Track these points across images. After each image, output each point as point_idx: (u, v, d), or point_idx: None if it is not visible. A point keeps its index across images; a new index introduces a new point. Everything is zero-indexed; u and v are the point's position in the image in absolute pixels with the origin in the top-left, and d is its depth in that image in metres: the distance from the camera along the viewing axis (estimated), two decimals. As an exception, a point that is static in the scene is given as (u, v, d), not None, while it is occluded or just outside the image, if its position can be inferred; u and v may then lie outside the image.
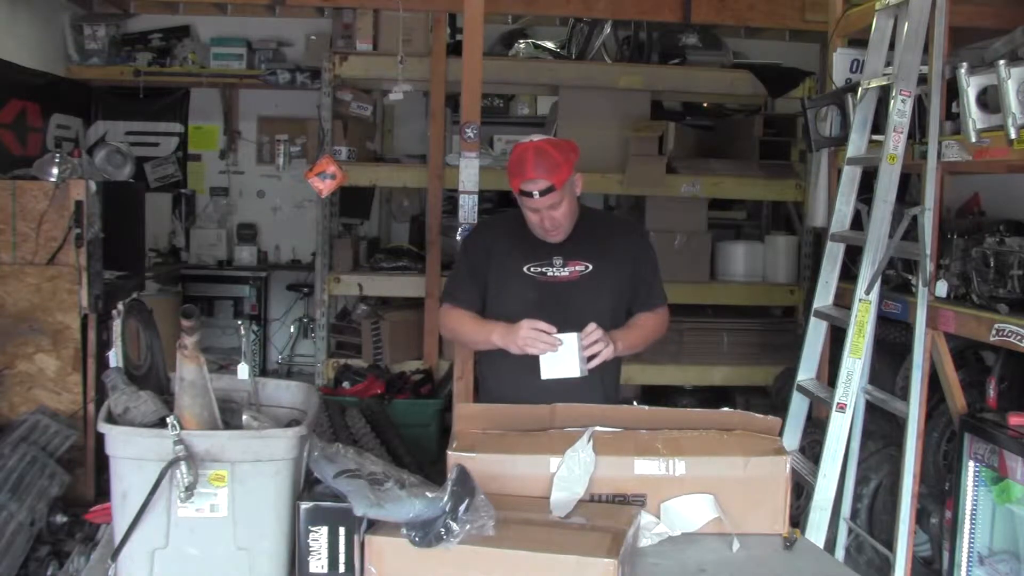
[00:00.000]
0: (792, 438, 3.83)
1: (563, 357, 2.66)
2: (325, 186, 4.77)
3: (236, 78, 7.01)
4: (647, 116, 5.85)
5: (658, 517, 2.22)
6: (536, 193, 2.66)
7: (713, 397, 5.80)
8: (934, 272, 3.35)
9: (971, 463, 3.24)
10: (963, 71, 2.99)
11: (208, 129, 7.38)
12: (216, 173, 7.41)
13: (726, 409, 2.53)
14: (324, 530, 1.91)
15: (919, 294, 3.36)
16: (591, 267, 2.83)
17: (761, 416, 2.43)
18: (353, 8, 5.77)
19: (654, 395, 5.43)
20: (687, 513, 2.22)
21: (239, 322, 7.02)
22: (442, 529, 1.87)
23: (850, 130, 3.69)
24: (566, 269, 2.83)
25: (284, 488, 1.90)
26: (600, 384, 2.81)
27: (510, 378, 2.84)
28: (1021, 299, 3.09)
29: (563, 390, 2.55)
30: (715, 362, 5.60)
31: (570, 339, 2.66)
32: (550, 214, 2.72)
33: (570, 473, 2.23)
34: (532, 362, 2.71)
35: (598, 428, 2.38)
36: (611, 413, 2.45)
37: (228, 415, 2.03)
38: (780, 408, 4.14)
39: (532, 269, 2.83)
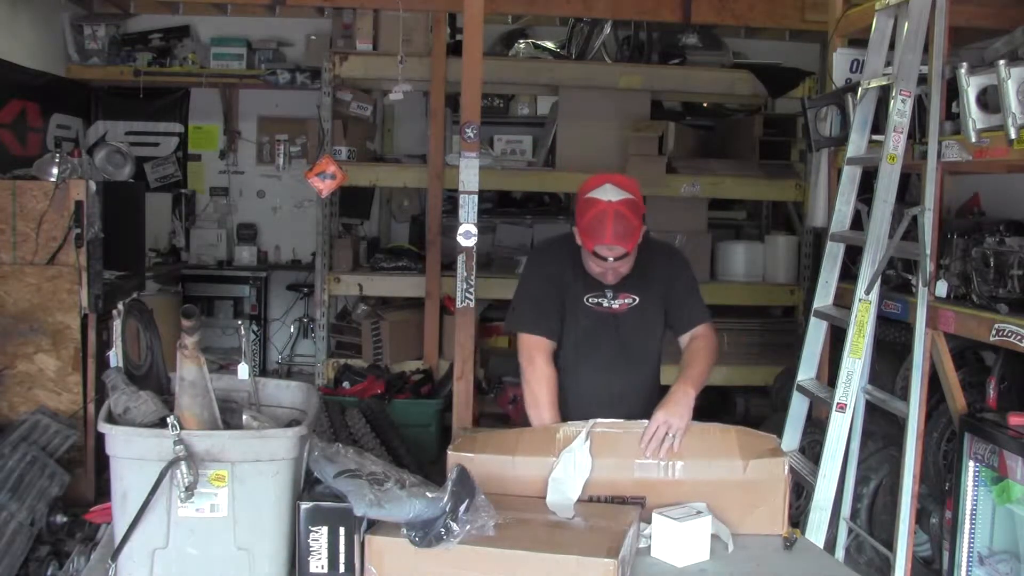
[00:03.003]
0: (792, 438, 3.83)
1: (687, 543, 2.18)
2: (325, 186, 4.77)
3: (236, 78, 7.01)
4: (647, 116, 5.86)
5: (657, 515, 2.22)
6: (611, 259, 2.69)
7: (713, 397, 5.80)
8: (934, 272, 3.35)
9: (971, 463, 3.23)
10: (963, 71, 2.99)
11: (208, 129, 7.37)
12: (216, 173, 7.40)
13: (720, 426, 2.52)
14: (324, 530, 1.91)
15: (919, 294, 3.36)
16: (638, 300, 2.87)
17: (758, 433, 2.44)
18: (353, 8, 5.77)
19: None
20: (683, 548, 2.14)
21: (239, 322, 7.01)
22: (442, 529, 1.87)
23: (850, 130, 3.68)
24: (616, 301, 2.86)
25: (284, 488, 1.90)
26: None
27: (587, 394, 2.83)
28: (1021, 299, 3.08)
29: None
30: (715, 362, 5.59)
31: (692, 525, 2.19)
32: (616, 271, 2.76)
33: (564, 474, 2.22)
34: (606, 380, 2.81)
35: (598, 420, 2.38)
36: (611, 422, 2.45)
37: (228, 415, 2.03)
38: (780, 408, 4.15)
39: (591, 300, 2.86)
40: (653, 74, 5.88)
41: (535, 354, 2.80)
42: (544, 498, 2.21)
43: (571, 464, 2.23)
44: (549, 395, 2.75)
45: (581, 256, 2.82)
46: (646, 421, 2.44)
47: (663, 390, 2.96)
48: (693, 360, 2.83)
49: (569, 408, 2.78)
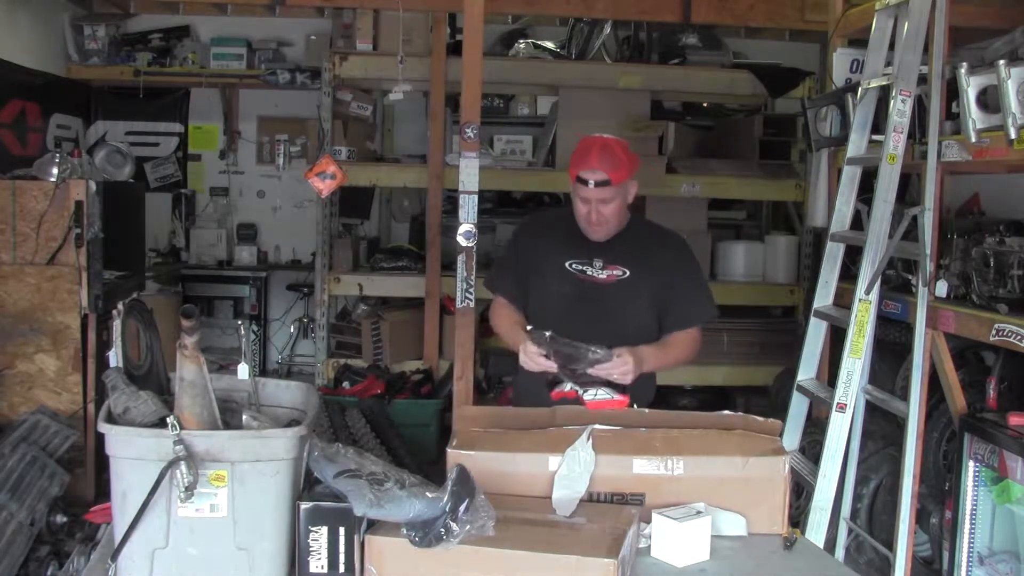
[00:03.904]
0: (792, 438, 3.83)
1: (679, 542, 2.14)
2: (325, 186, 4.76)
3: (236, 78, 7.01)
4: (647, 116, 5.86)
5: (657, 515, 2.22)
6: (592, 183, 2.72)
7: (713, 397, 5.80)
8: (934, 272, 3.35)
9: (971, 463, 3.24)
10: (963, 71, 2.99)
11: (208, 129, 7.37)
12: (216, 173, 7.40)
13: (726, 412, 2.52)
14: (324, 530, 1.91)
15: (919, 294, 3.36)
16: (628, 273, 2.85)
17: (761, 419, 2.42)
18: (353, 8, 5.77)
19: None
20: (683, 548, 2.14)
21: (239, 322, 7.02)
22: (442, 529, 1.87)
23: (850, 130, 3.69)
24: (604, 272, 2.86)
25: (284, 488, 1.90)
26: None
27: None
28: (1021, 299, 3.09)
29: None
30: (715, 362, 5.59)
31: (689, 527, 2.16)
32: (599, 208, 2.77)
33: (571, 472, 2.22)
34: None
35: (597, 426, 2.38)
36: (611, 416, 2.45)
37: (228, 415, 2.03)
38: (780, 408, 4.14)
39: (574, 265, 2.87)
40: (653, 74, 5.88)
41: (493, 305, 3.11)
42: (544, 497, 2.21)
43: (576, 461, 2.23)
44: (507, 319, 2.99)
45: (570, 222, 2.87)
46: (643, 429, 2.45)
47: (661, 386, 2.98)
48: (665, 344, 2.87)
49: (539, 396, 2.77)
